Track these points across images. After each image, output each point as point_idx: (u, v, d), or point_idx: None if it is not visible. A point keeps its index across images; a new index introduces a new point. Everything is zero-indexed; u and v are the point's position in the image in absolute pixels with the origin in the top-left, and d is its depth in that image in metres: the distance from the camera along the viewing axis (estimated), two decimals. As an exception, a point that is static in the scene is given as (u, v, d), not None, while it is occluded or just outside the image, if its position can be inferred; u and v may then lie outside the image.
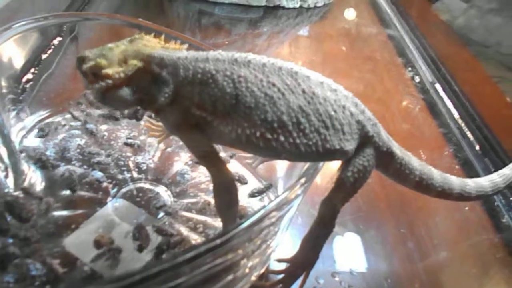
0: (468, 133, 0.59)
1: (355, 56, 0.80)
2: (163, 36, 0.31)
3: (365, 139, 0.32)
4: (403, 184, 0.36)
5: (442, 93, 0.68)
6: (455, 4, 1.02)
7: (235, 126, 0.28)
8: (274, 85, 0.28)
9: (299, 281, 0.33)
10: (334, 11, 0.96)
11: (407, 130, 0.60)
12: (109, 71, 0.28)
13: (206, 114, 0.29)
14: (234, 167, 0.43)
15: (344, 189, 0.32)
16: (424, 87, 0.71)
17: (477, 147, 0.56)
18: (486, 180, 0.38)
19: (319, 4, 0.92)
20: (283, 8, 0.88)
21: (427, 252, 0.42)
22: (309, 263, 0.33)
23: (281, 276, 0.34)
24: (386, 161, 0.34)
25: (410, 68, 0.76)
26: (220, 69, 0.28)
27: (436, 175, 0.35)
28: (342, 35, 0.88)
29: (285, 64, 0.29)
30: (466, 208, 0.47)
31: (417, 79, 0.73)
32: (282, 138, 0.29)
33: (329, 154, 0.30)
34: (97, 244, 0.32)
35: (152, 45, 0.29)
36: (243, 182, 0.42)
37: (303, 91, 0.29)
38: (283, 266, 0.34)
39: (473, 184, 0.37)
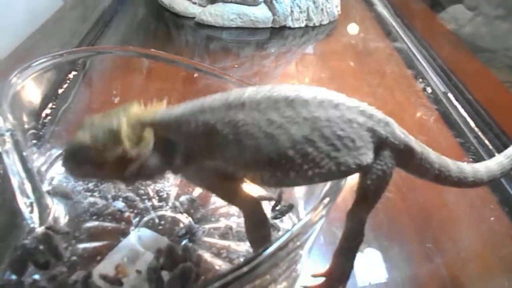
0: (486, 141, 0.58)
1: (364, 71, 0.80)
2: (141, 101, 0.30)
3: (381, 143, 0.31)
4: (423, 177, 0.35)
5: (455, 102, 0.67)
6: (461, 13, 1.02)
7: (247, 170, 0.29)
8: (272, 122, 0.28)
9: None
10: (339, 28, 0.97)
11: (423, 141, 0.58)
12: (134, 152, 0.27)
13: (219, 162, 0.28)
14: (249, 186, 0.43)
15: (366, 198, 0.31)
16: (436, 97, 0.70)
17: (496, 154, 0.55)
18: (495, 163, 0.37)
19: (324, 22, 0.93)
20: (289, 28, 0.90)
21: (455, 267, 0.41)
22: (345, 275, 0.32)
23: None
24: (406, 158, 0.33)
25: (420, 80, 0.76)
26: (218, 118, 0.28)
27: (452, 165, 0.35)
28: (349, 51, 0.88)
29: (281, 93, 0.29)
30: (492, 218, 0.46)
31: (429, 89, 0.72)
32: (292, 174, 0.28)
33: (347, 174, 0.30)
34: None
35: (145, 111, 0.29)
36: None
37: (305, 119, 0.28)
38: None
39: (483, 169, 0.37)
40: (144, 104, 0.30)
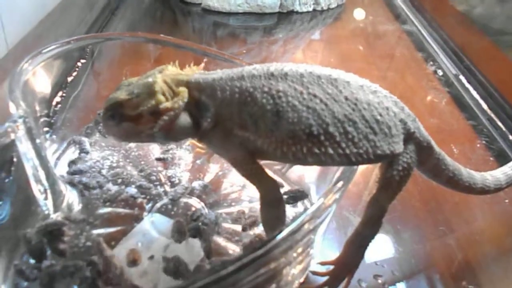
0: (500, 123, 0.57)
1: (374, 55, 0.79)
2: (177, 62, 0.31)
3: (408, 136, 0.31)
4: (436, 179, 0.36)
5: (467, 85, 0.66)
6: (472, -7, 1.00)
7: (279, 144, 0.28)
8: (315, 96, 0.28)
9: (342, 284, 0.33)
10: (348, 11, 0.95)
11: (436, 125, 0.59)
12: (168, 104, 0.27)
13: (249, 133, 0.28)
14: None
15: (390, 188, 0.32)
16: (448, 80, 0.69)
17: (511, 137, 0.55)
18: (501, 173, 0.38)
19: (332, 6, 0.92)
20: (297, 12, 0.88)
21: (469, 249, 0.41)
22: (354, 264, 0.33)
23: (325, 278, 0.33)
24: (426, 155, 0.33)
25: (431, 62, 0.75)
26: (258, 86, 0.28)
27: (463, 170, 0.36)
28: (358, 34, 0.87)
29: (323, 71, 0.29)
30: (506, 200, 0.45)
31: (440, 72, 0.71)
32: (331, 151, 0.28)
33: (380, 159, 0.30)
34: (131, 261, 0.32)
35: (182, 72, 0.29)
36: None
37: (346, 98, 0.28)
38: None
39: (490, 177, 0.37)
40: (180, 68, 0.30)
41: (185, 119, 0.28)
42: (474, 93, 0.64)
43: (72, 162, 0.40)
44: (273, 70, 0.28)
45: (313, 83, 0.28)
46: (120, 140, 0.31)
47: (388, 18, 0.95)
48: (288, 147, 0.28)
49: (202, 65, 0.31)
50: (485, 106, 0.61)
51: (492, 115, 0.59)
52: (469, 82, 0.67)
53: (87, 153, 0.42)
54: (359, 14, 0.97)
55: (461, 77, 0.68)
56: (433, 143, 0.33)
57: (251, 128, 0.28)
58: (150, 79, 0.28)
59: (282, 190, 0.40)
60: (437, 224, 0.43)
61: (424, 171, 0.35)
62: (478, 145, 0.55)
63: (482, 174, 0.38)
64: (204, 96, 0.28)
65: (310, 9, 0.90)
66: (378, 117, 0.29)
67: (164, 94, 0.28)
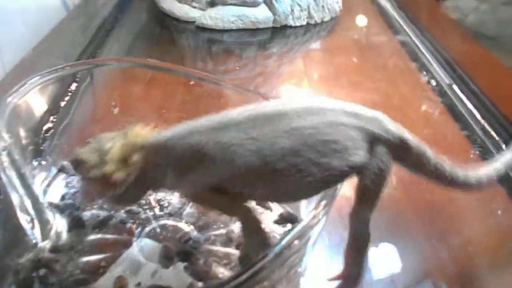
0: (493, 133, 0.57)
1: (367, 66, 0.80)
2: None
3: (373, 140, 0.31)
4: (421, 173, 0.35)
5: (460, 94, 0.66)
6: (465, 1, 1.00)
7: (240, 188, 0.29)
8: (253, 138, 0.28)
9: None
10: (341, 23, 0.96)
11: (429, 135, 0.58)
12: (119, 175, 0.28)
13: (211, 180, 0.29)
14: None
15: (367, 197, 0.31)
16: (441, 89, 0.69)
17: (503, 146, 0.54)
18: (485, 169, 0.37)
19: (326, 19, 0.93)
20: (290, 27, 0.89)
21: (463, 261, 0.40)
22: (359, 274, 0.33)
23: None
24: (402, 152, 0.32)
25: (425, 72, 0.75)
26: (204, 141, 0.29)
27: (447, 165, 0.35)
28: (353, 46, 0.87)
29: (261, 111, 0.29)
30: (499, 211, 0.45)
31: (433, 82, 0.71)
32: (284, 186, 0.28)
33: (342, 176, 0.30)
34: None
35: (142, 133, 0.31)
36: (267, 208, 0.41)
37: (284, 132, 0.28)
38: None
39: (472, 173, 0.36)
40: (147, 125, 0.31)
41: (138, 185, 0.30)
42: (468, 102, 0.64)
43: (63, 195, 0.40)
44: (215, 122, 0.29)
45: (251, 126, 0.29)
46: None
47: (383, 28, 0.95)
48: (248, 189, 0.29)
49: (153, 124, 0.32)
50: (478, 115, 0.61)
51: (486, 125, 0.58)
52: (462, 92, 0.66)
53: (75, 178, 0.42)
54: (353, 26, 0.98)
55: (454, 87, 0.68)
56: (406, 135, 0.32)
57: (210, 177, 0.29)
58: (107, 146, 0.29)
59: (273, 213, 0.41)
60: (432, 236, 0.42)
61: (406, 167, 0.34)
62: (472, 155, 0.54)
63: (465, 169, 0.36)
64: (159, 157, 0.30)
65: (304, 23, 0.90)
66: (324, 137, 0.28)
67: (116, 163, 0.29)
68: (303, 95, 0.30)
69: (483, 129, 0.58)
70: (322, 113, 0.29)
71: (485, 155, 0.54)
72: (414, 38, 0.87)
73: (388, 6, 1.04)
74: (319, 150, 0.28)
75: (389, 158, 0.31)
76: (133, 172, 0.29)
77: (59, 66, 0.39)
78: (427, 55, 0.80)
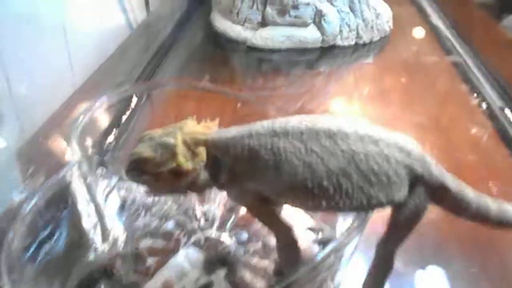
0: (546, 161, 0.55)
1: (416, 87, 0.79)
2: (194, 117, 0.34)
3: (415, 180, 0.32)
4: (459, 216, 0.35)
5: (513, 119, 0.64)
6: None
7: (281, 194, 0.31)
8: (312, 150, 0.30)
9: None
10: (391, 43, 0.96)
11: (475, 161, 0.58)
12: (189, 166, 0.30)
13: (257, 184, 0.31)
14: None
15: (397, 232, 0.32)
16: (492, 113, 0.68)
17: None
18: None
19: (375, 39, 0.93)
20: (339, 47, 0.91)
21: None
22: None
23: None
24: (440, 195, 0.33)
25: (475, 95, 0.73)
26: (262, 144, 0.30)
27: (492, 204, 0.34)
28: (401, 66, 0.87)
29: (324, 125, 0.30)
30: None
31: (484, 105, 0.70)
32: (324, 203, 0.30)
33: (377, 207, 0.31)
34: None
35: (199, 128, 0.32)
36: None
37: (342, 151, 0.30)
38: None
39: None
40: (198, 121, 0.34)
41: (204, 175, 0.32)
42: (520, 127, 0.62)
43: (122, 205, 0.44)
44: (276, 127, 0.31)
45: (312, 138, 0.30)
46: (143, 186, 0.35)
47: (434, 49, 0.94)
48: (288, 197, 0.31)
49: (217, 121, 0.34)
50: (530, 142, 0.59)
51: (538, 152, 0.57)
52: (514, 116, 0.65)
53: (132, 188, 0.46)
54: (403, 45, 0.97)
55: (507, 110, 0.67)
56: (448, 181, 0.32)
57: (259, 180, 0.31)
58: (171, 140, 0.31)
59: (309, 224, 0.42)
60: (469, 264, 0.42)
61: (444, 209, 0.35)
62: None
63: None
64: (220, 154, 0.32)
65: (352, 42, 0.91)
66: (376, 167, 0.30)
67: (184, 155, 0.31)
68: (355, 117, 0.31)
69: (535, 156, 0.56)
70: (380, 144, 0.30)
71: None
72: (466, 58, 0.85)
73: (440, 25, 1.03)
74: (368, 178, 0.30)
75: (426, 199, 0.32)
76: (202, 162, 0.31)
77: (124, 89, 0.44)
78: (479, 76, 0.78)
